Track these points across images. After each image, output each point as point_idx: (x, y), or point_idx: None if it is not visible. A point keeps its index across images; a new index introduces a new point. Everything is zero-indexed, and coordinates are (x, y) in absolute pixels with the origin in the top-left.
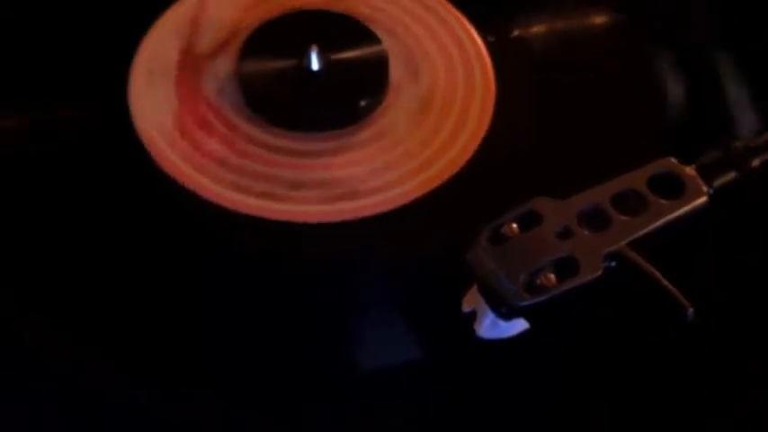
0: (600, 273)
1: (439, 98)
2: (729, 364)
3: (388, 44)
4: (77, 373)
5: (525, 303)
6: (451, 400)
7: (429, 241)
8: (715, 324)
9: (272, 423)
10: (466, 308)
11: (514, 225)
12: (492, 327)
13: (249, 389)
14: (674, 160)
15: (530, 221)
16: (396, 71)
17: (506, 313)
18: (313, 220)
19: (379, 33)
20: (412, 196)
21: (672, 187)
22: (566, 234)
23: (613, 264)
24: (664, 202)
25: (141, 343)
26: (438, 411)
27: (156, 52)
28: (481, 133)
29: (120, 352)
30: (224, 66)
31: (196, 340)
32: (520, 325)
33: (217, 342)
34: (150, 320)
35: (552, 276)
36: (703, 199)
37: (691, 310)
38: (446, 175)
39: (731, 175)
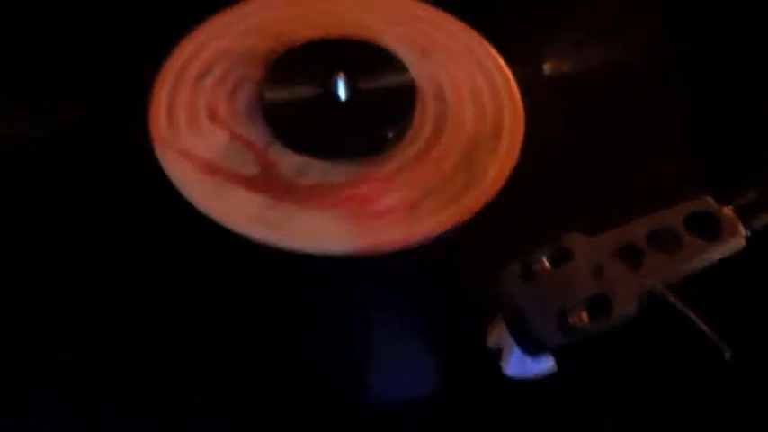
0: (634, 312)
1: (467, 130)
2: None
3: (415, 74)
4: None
5: (556, 341)
6: None
7: (455, 275)
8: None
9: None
10: (491, 343)
11: (545, 260)
12: (519, 364)
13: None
14: (710, 199)
15: (561, 257)
16: (423, 101)
17: (534, 350)
18: (335, 251)
19: (407, 63)
20: (438, 230)
21: (708, 227)
22: (598, 271)
23: (647, 302)
24: (700, 242)
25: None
26: None
27: (182, 71)
28: (509, 166)
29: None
30: (249, 90)
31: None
32: (547, 365)
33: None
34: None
35: (584, 314)
36: (740, 241)
37: (728, 353)
38: (474, 209)
39: None
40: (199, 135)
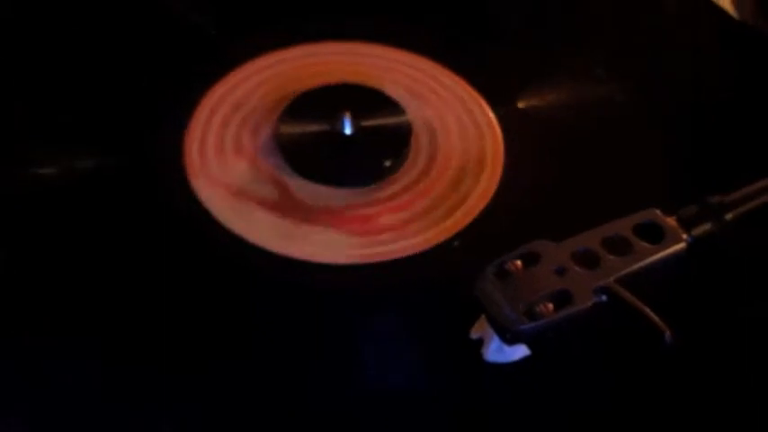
0: (590, 304)
1: (454, 162)
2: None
3: (411, 115)
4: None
5: (525, 327)
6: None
7: (441, 282)
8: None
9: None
10: (474, 335)
11: (518, 262)
12: (497, 351)
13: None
14: (657, 211)
15: (530, 260)
16: (417, 138)
17: (510, 338)
18: (340, 261)
19: (404, 105)
20: (430, 243)
21: (655, 234)
22: (561, 271)
23: (603, 297)
24: (647, 245)
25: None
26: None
27: (211, 115)
28: (491, 192)
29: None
30: (268, 127)
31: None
32: (522, 351)
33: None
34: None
35: (550, 306)
36: (681, 245)
37: (668, 334)
38: (458, 228)
39: (707, 227)
40: (226, 166)
